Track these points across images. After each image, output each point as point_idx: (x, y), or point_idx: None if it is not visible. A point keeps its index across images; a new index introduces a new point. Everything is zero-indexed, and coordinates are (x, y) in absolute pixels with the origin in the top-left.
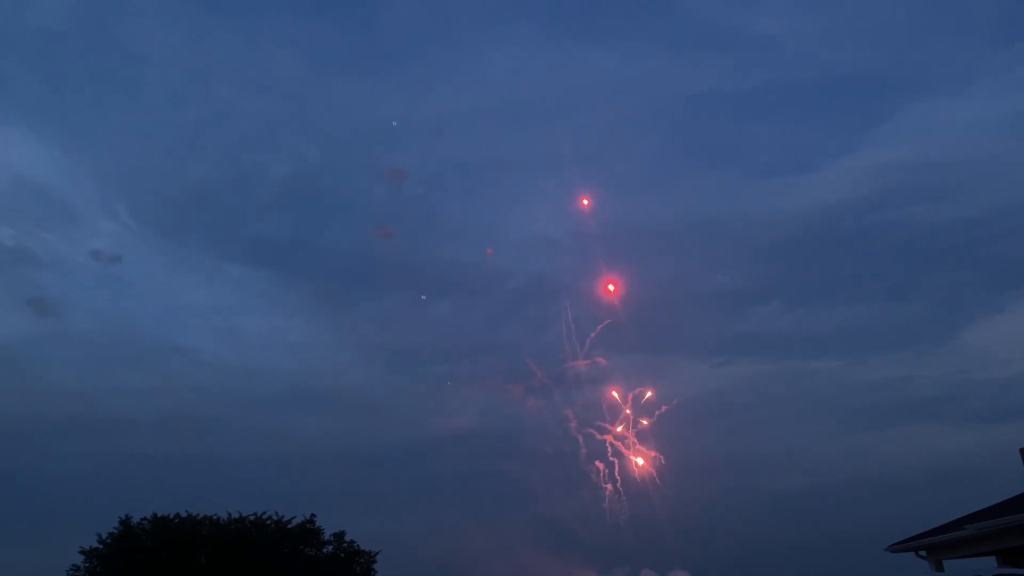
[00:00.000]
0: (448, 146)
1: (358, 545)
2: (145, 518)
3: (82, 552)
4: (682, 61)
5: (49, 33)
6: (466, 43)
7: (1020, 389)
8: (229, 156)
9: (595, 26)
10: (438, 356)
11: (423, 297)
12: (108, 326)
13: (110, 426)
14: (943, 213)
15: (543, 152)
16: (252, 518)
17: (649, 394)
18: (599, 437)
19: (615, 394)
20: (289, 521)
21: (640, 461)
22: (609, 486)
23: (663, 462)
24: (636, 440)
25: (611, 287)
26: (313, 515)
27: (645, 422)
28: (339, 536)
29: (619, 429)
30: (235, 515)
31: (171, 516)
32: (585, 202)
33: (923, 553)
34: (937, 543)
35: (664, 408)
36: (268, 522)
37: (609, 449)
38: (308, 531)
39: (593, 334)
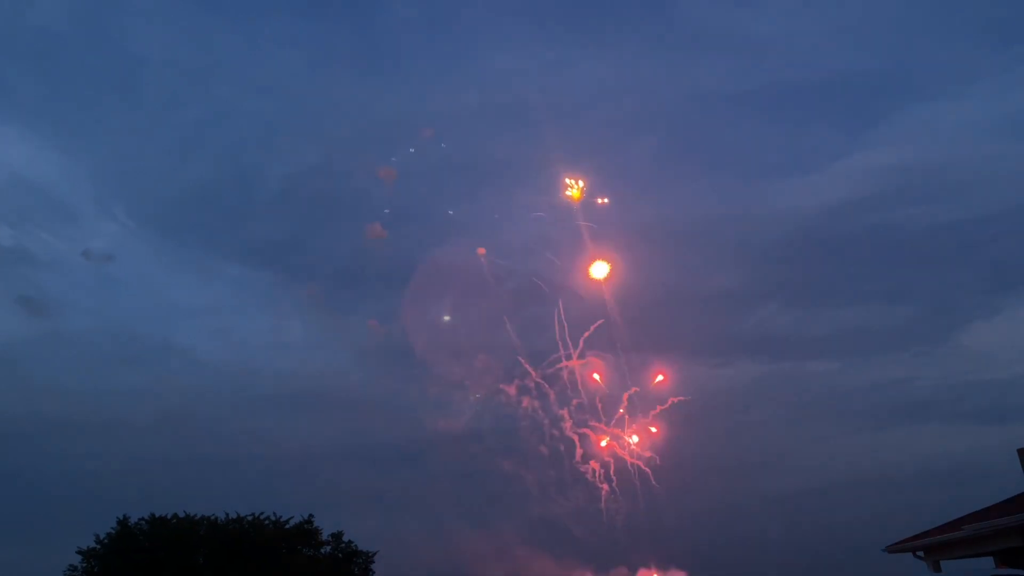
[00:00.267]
0: (447, 146)
1: (356, 545)
2: (143, 518)
3: (79, 552)
4: (681, 62)
5: (48, 33)
6: (465, 44)
7: (1018, 390)
8: (228, 156)
9: (594, 27)
10: (436, 356)
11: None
12: (106, 326)
13: (108, 426)
14: (941, 214)
15: (542, 152)
16: (250, 518)
17: (661, 377)
18: (594, 437)
19: (610, 394)
20: (287, 521)
21: (637, 461)
22: (605, 486)
23: (660, 462)
24: (631, 441)
25: (604, 283)
26: (311, 515)
27: (643, 421)
28: (337, 536)
29: (615, 429)
30: (233, 515)
31: (169, 516)
32: (573, 192)
33: (921, 554)
34: (935, 544)
35: (659, 408)
36: (266, 522)
37: (604, 449)
38: (306, 531)
39: (587, 333)
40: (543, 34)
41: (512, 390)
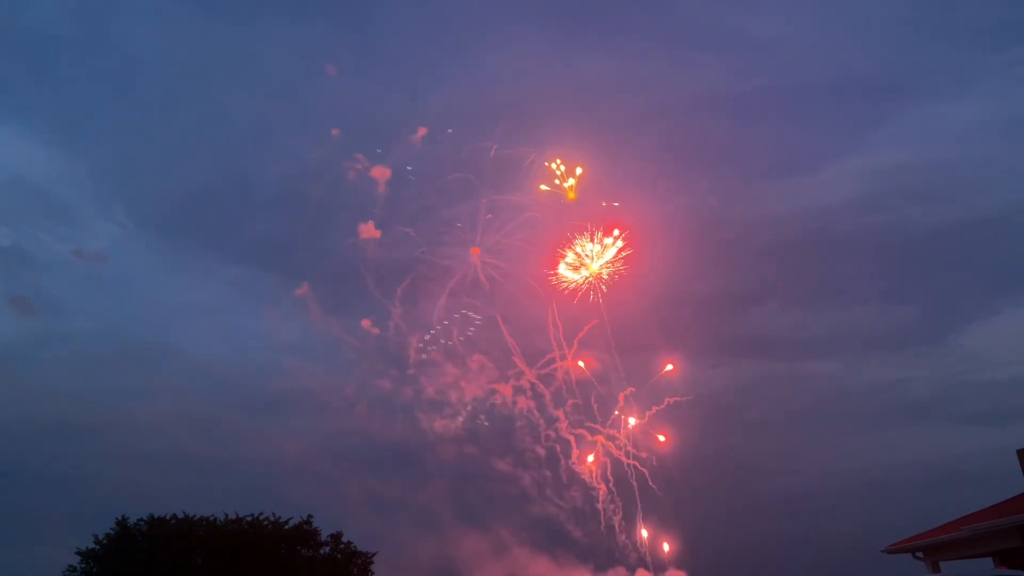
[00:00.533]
0: (445, 146)
1: (355, 546)
2: (141, 519)
3: (78, 553)
4: (680, 63)
5: (46, 34)
6: (464, 44)
7: (1017, 391)
8: (226, 156)
9: (593, 27)
10: (439, 357)
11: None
12: (104, 327)
13: (106, 427)
14: (940, 216)
15: (539, 152)
16: (249, 519)
17: (670, 367)
18: (590, 438)
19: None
20: (286, 522)
21: (633, 462)
22: (603, 486)
23: (657, 463)
24: (627, 441)
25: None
26: (310, 516)
27: (640, 422)
28: (336, 537)
29: (611, 430)
30: (232, 516)
31: (168, 517)
32: (567, 182)
33: (920, 554)
34: (934, 544)
35: (655, 409)
36: (265, 523)
37: (600, 449)
38: (305, 532)
39: (581, 334)
40: (542, 34)
41: (508, 390)
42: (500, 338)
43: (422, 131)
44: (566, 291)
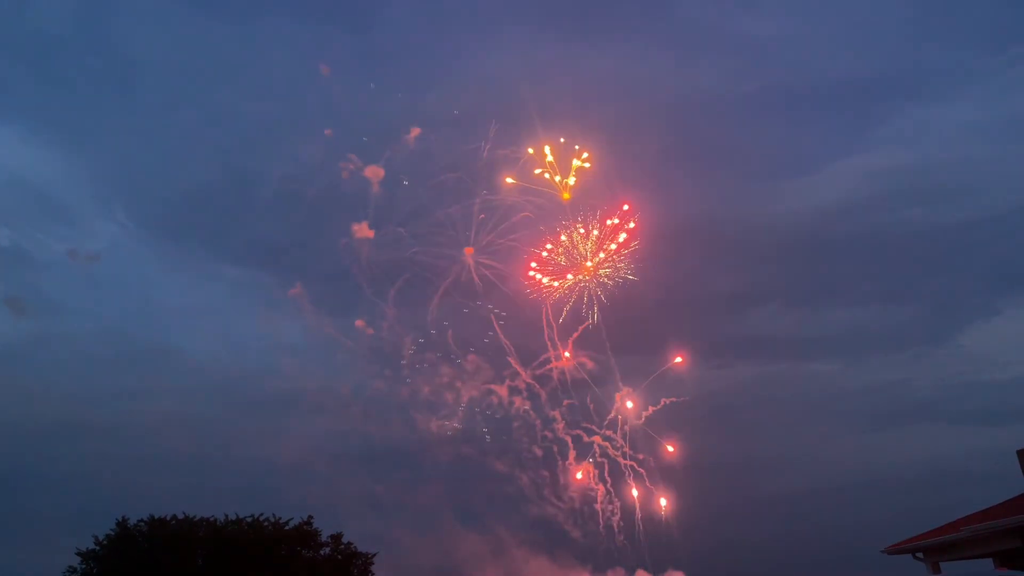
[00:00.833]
0: (446, 148)
1: (355, 547)
2: (142, 520)
3: (79, 554)
4: (681, 64)
5: (47, 35)
6: (464, 45)
7: (1017, 391)
8: (226, 157)
9: (594, 29)
10: (433, 357)
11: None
12: (104, 327)
13: (107, 428)
14: (940, 216)
15: (537, 152)
16: (249, 520)
17: (679, 359)
18: (587, 439)
19: (604, 394)
20: (286, 523)
21: (632, 463)
22: (601, 487)
23: (656, 464)
24: (624, 442)
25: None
26: (310, 517)
27: (637, 422)
28: (336, 538)
29: (607, 431)
30: (232, 517)
31: (168, 518)
32: (564, 177)
33: (920, 555)
34: (934, 545)
35: (652, 409)
36: (265, 524)
37: (597, 450)
38: (305, 533)
39: (575, 335)
40: (543, 35)
41: (503, 391)
42: (494, 338)
43: (415, 131)
44: (552, 294)
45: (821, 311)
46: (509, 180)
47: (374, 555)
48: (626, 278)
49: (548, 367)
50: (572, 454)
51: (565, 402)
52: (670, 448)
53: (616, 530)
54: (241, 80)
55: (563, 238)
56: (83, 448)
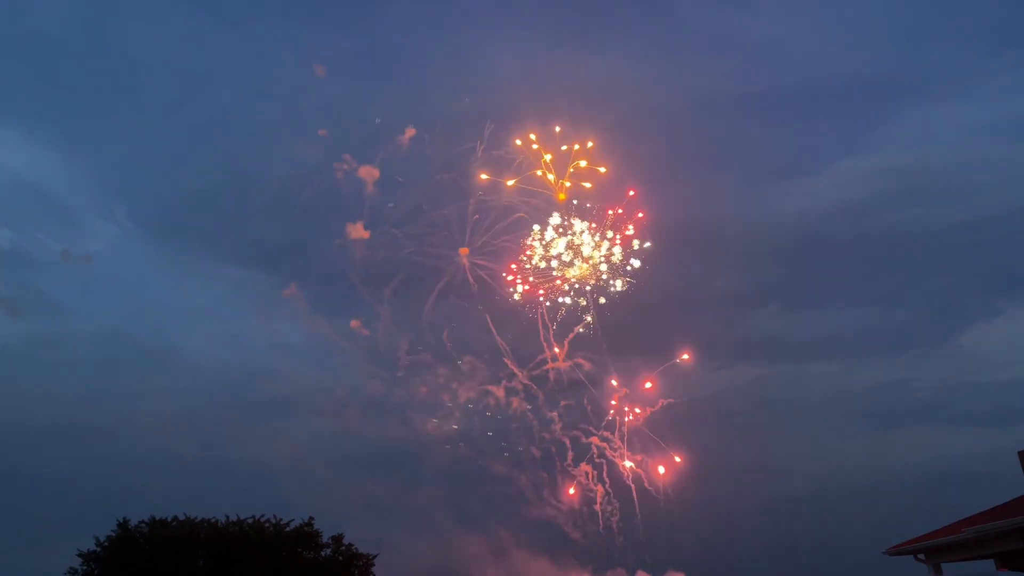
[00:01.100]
0: (441, 148)
1: (356, 548)
2: (143, 521)
3: (79, 555)
4: (682, 64)
5: (48, 36)
6: (465, 46)
7: (1018, 392)
8: (227, 159)
9: (595, 30)
10: (429, 358)
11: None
12: (105, 329)
13: (108, 429)
14: (941, 217)
15: (535, 153)
16: (250, 521)
17: (686, 356)
18: (585, 440)
19: (602, 397)
20: (287, 524)
21: (629, 464)
22: (600, 488)
23: (655, 465)
24: (622, 443)
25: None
26: (311, 518)
27: (637, 422)
28: (337, 539)
29: (605, 432)
30: (233, 518)
31: (169, 519)
32: (563, 182)
33: (922, 556)
34: (936, 546)
35: (650, 410)
36: (266, 525)
37: (595, 451)
38: (306, 534)
39: (571, 335)
40: (543, 37)
41: (500, 392)
42: (490, 339)
43: (410, 131)
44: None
45: (822, 312)
46: (483, 176)
47: (375, 556)
48: (628, 281)
49: (545, 368)
50: (570, 455)
51: (562, 403)
52: (677, 459)
53: (616, 531)
54: (242, 81)
55: (551, 238)
56: (84, 449)
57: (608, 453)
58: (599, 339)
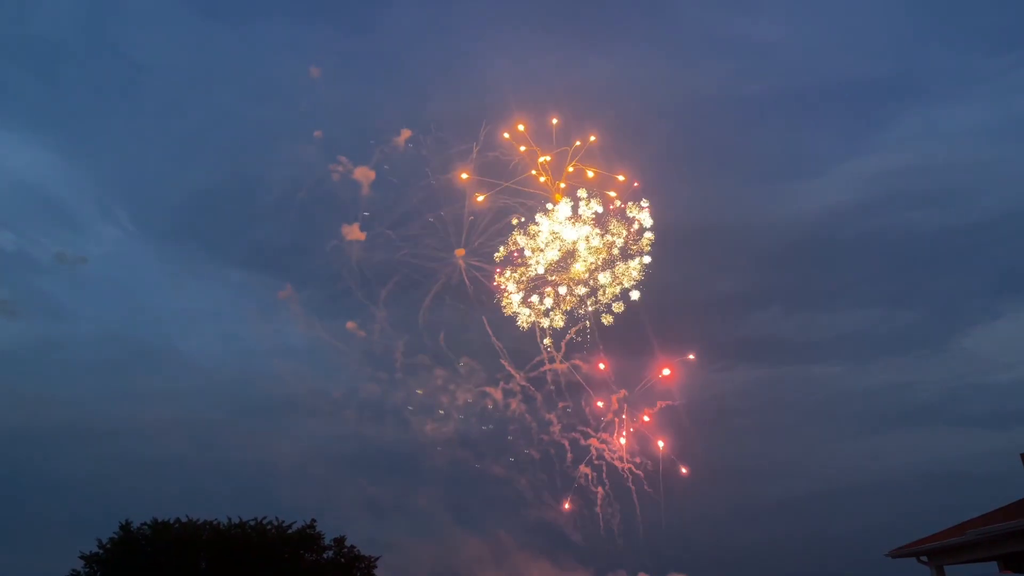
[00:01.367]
0: (441, 151)
1: (359, 550)
2: (145, 523)
3: (82, 557)
4: (683, 67)
5: (50, 39)
6: (465, 49)
7: (1020, 394)
8: (229, 161)
9: (596, 32)
10: (426, 360)
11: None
12: (107, 331)
13: (110, 431)
14: (944, 218)
15: (533, 154)
16: (252, 523)
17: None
18: (584, 443)
19: (600, 401)
20: (290, 526)
21: (629, 465)
22: (600, 490)
23: (654, 467)
24: (621, 445)
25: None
26: (313, 520)
27: (633, 425)
28: (339, 541)
29: (604, 434)
30: (235, 520)
31: (171, 521)
32: (556, 195)
33: (924, 558)
34: (938, 548)
35: (649, 412)
36: (268, 527)
37: (594, 453)
38: (308, 536)
39: (568, 337)
40: (544, 39)
41: (498, 394)
42: (487, 341)
43: (405, 133)
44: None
45: (824, 314)
46: (464, 176)
47: (377, 559)
48: (629, 290)
49: (542, 369)
50: (569, 457)
51: (560, 404)
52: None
53: (616, 533)
54: (243, 84)
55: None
56: (87, 452)
57: (607, 455)
58: (598, 341)
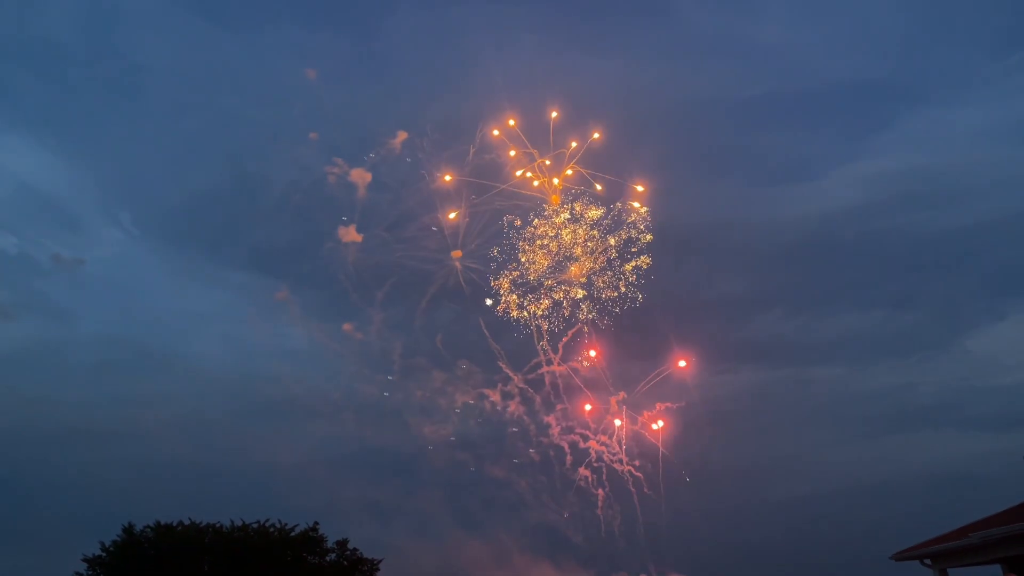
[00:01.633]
0: (434, 152)
1: (361, 553)
2: (148, 526)
3: (85, 560)
4: (684, 70)
5: (53, 42)
6: (468, 53)
7: (1023, 396)
8: (232, 164)
9: (598, 35)
10: (424, 362)
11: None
12: (110, 334)
13: (113, 434)
14: (945, 220)
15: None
16: (255, 526)
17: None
18: (583, 445)
19: (589, 404)
20: (292, 529)
21: (628, 467)
22: (601, 491)
23: (653, 468)
24: (620, 447)
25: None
26: (316, 523)
27: (632, 427)
28: (342, 544)
29: (603, 436)
30: (238, 523)
31: (174, 524)
32: (556, 187)
33: (928, 561)
34: (942, 551)
35: (646, 415)
36: (271, 530)
37: (593, 455)
38: (311, 539)
39: (565, 339)
40: (546, 42)
41: (496, 396)
42: (484, 342)
43: (401, 135)
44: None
45: (825, 316)
46: (447, 178)
47: (380, 561)
48: (627, 292)
49: (540, 371)
50: (569, 459)
51: (558, 406)
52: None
53: (617, 534)
54: (245, 87)
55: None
56: (89, 454)
57: (606, 457)
58: (597, 342)
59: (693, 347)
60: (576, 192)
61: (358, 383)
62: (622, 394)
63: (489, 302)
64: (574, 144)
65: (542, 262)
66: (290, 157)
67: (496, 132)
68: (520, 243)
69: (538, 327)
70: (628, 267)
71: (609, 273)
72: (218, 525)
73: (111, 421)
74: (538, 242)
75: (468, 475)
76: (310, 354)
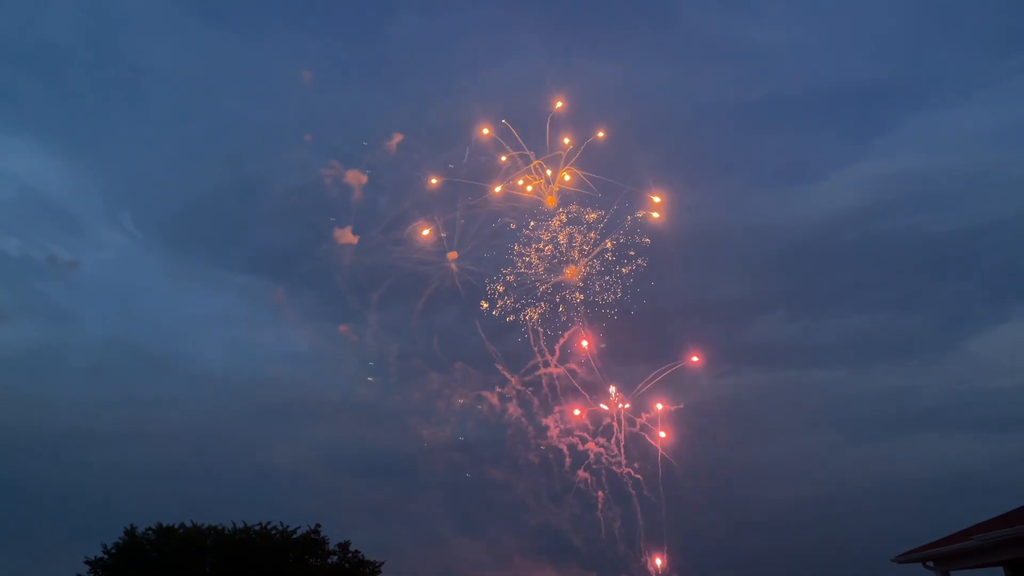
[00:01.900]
0: (429, 154)
1: (363, 555)
2: (150, 528)
3: (87, 562)
4: (686, 72)
5: (55, 45)
6: (470, 55)
7: None
8: (234, 167)
9: (599, 38)
10: (421, 364)
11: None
12: (113, 336)
13: (115, 436)
14: (947, 223)
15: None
16: (257, 528)
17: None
18: (582, 447)
19: (578, 409)
20: (294, 531)
21: (628, 468)
22: (601, 493)
23: (652, 470)
24: (619, 450)
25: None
26: (318, 525)
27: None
28: (344, 546)
29: (602, 438)
30: (240, 525)
31: (176, 526)
32: (554, 190)
33: (930, 564)
34: (944, 554)
35: (645, 417)
36: (273, 532)
37: (592, 458)
38: (313, 541)
39: (562, 340)
40: (548, 45)
41: (494, 398)
42: (481, 344)
43: (397, 137)
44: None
45: (828, 318)
46: (434, 181)
47: (382, 563)
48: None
49: (537, 373)
50: (568, 461)
51: (556, 408)
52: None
53: (618, 536)
54: (248, 90)
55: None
56: (91, 456)
57: (605, 459)
58: (597, 343)
59: (694, 349)
60: (574, 194)
61: (355, 385)
62: (621, 395)
63: (485, 305)
64: (566, 141)
65: (538, 264)
66: (288, 160)
67: (486, 131)
68: (516, 245)
69: (535, 329)
70: (625, 269)
71: (607, 277)
72: (220, 527)
73: (112, 423)
74: (534, 245)
75: (468, 477)
76: (309, 356)
